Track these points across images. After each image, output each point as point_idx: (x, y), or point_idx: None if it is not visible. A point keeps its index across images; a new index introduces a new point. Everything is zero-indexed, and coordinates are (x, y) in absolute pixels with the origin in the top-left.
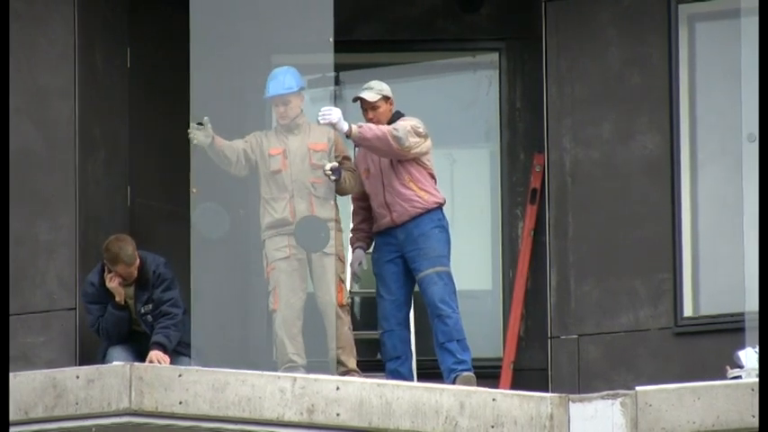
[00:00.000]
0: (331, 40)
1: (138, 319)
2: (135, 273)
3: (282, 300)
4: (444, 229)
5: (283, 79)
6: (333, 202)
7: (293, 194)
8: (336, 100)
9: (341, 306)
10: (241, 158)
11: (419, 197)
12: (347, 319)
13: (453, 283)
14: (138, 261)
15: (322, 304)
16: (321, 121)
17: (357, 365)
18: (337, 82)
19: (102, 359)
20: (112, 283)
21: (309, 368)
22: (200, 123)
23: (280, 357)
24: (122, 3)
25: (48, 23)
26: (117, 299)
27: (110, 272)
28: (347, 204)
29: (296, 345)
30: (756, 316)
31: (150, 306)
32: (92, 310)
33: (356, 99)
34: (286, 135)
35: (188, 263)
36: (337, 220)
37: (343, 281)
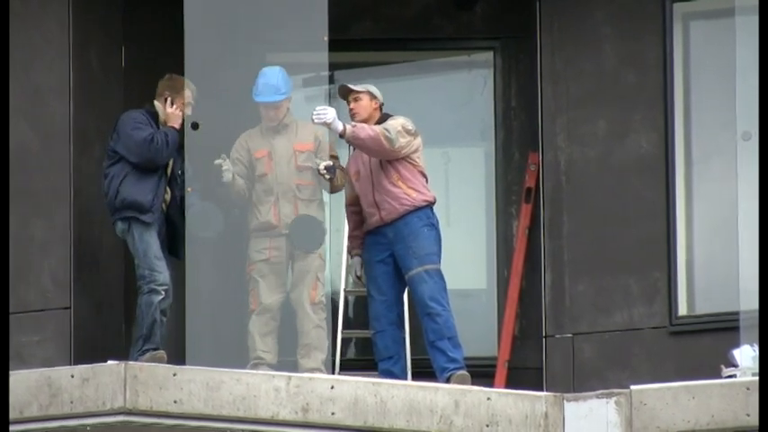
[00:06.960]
0: (326, 38)
1: (173, 179)
2: (182, 114)
3: (259, 300)
4: (434, 227)
5: (276, 83)
6: (319, 203)
7: (278, 197)
8: (331, 99)
9: (314, 304)
10: (247, 185)
11: (407, 195)
12: (316, 317)
13: (444, 281)
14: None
15: (294, 302)
16: (316, 121)
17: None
18: (332, 81)
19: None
20: (176, 109)
21: (280, 366)
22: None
23: (251, 354)
24: (117, 2)
25: (43, 22)
26: (177, 125)
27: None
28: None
29: (266, 343)
30: (750, 315)
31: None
32: (144, 128)
33: (342, 86)
34: (273, 135)
35: (182, 261)
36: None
37: (319, 279)
